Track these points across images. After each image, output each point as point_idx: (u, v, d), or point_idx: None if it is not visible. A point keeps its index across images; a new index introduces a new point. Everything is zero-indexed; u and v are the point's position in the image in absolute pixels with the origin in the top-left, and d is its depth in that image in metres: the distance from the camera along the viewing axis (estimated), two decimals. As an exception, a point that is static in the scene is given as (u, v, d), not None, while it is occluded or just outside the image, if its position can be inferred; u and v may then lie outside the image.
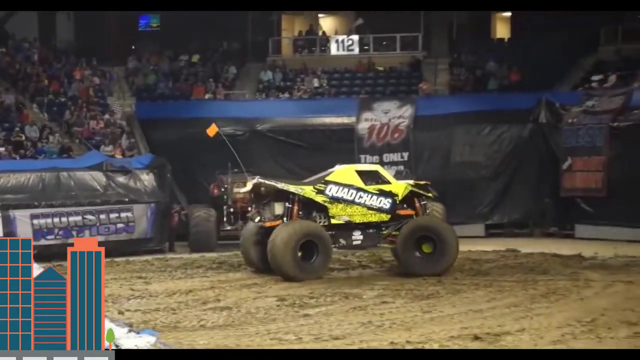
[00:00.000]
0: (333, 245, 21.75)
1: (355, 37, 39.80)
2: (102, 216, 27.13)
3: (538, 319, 15.07)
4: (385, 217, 21.88)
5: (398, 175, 30.37)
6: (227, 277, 21.78)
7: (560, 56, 37.49)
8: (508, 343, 13.12)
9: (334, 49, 39.81)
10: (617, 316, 15.13)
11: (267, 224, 21.85)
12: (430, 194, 22.98)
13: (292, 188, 21.94)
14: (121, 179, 27.91)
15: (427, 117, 32.77)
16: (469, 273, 21.92)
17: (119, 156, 30.38)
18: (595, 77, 34.52)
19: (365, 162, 31.73)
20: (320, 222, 21.87)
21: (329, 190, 21.75)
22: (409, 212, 22.26)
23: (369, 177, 22.41)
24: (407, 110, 32.76)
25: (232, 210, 29.16)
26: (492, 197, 32.48)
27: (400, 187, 22.26)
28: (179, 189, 30.85)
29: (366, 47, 39.14)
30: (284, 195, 21.95)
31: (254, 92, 36.72)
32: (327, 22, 43.63)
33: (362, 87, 36.74)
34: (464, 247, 26.76)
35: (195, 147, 31.31)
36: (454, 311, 16.18)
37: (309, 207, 21.97)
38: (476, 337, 13.42)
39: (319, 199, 21.78)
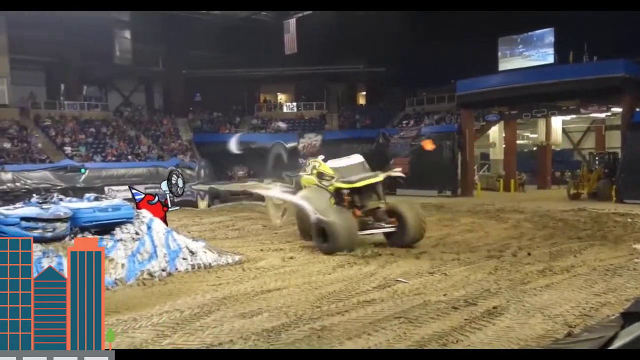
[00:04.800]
0: None
1: (295, 103, 39.93)
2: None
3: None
4: None
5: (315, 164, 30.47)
6: (238, 214, 21.18)
7: (389, 112, 37.66)
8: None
9: (285, 109, 39.69)
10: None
11: None
12: None
13: None
14: (188, 170, 27.56)
15: (329, 140, 32.82)
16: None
17: (186, 160, 30.20)
18: (404, 122, 34.79)
19: (302, 164, 31.26)
20: None
21: None
22: None
23: None
24: (319, 137, 33.04)
25: (239, 184, 28.98)
26: (363, 176, 32.48)
27: None
28: (215, 174, 30.27)
29: (300, 108, 39.09)
30: None
31: (248, 130, 36.20)
32: (282, 96, 43.09)
33: (299, 127, 36.48)
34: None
35: (222, 155, 29.78)
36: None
37: None
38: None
39: None
